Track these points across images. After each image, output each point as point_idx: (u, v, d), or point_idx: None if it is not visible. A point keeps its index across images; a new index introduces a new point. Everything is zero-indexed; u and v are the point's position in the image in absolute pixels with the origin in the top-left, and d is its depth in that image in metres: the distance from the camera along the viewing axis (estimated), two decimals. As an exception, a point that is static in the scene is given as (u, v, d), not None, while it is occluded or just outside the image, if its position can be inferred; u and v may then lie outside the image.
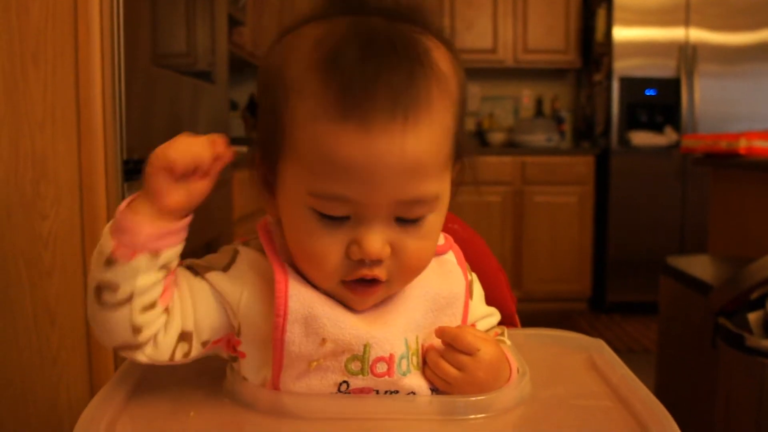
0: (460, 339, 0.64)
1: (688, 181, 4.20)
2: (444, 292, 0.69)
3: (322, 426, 0.61)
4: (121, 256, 0.58)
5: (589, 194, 4.35)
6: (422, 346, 0.67)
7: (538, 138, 4.55)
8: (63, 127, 1.32)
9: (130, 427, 0.61)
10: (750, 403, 1.51)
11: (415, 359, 0.66)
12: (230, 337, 0.66)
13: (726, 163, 2.40)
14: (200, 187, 0.62)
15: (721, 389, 1.63)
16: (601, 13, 4.33)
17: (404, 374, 0.64)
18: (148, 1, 1.55)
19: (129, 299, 0.59)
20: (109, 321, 0.60)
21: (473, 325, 0.74)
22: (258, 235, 0.67)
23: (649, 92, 4.24)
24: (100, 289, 0.59)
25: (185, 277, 0.64)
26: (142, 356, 0.62)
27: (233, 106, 4.13)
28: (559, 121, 4.79)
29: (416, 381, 0.65)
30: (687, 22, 4.15)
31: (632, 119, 4.27)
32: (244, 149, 2.67)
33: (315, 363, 0.63)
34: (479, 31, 4.48)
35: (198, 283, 0.64)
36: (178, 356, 0.63)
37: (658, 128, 4.25)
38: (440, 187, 0.62)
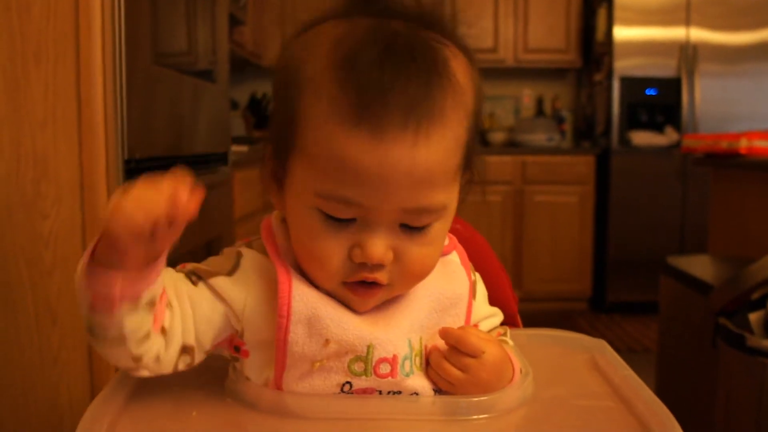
0: (464, 341, 0.64)
1: (689, 181, 4.20)
2: (448, 293, 0.69)
3: (325, 426, 0.61)
4: (102, 308, 0.56)
5: (590, 194, 4.35)
6: (425, 346, 0.67)
7: (539, 138, 4.55)
8: (64, 127, 1.32)
9: (131, 428, 0.61)
10: (750, 403, 1.51)
11: (418, 360, 0.66)
12: (233, 338, 0.66)
13: (727, 163, 2.40)
14: (168, 238, 0.54)
15: (722, 389, 1.63)
16: (601, 13, 4.33)
17: (407, 375, 0.64)
18: (149, 1, 1.54)
19: (121, 338, 0.58)
20: (108, 354, 0.60)
21: (476, 326, 0.74)
22: (261, 235, 0.67)
23: (650, 92, 4.24)
24: (90, 327, 0.58)
25: (185, 287, 0.63)
26: (146, 372, 0.62)
27: (234, 105, 4.13)
28: (559, 120, 4.79)
29: (419, 382, 0.65)
30: (688, 22, 4.15)
31: (633, 119, 4.27)
32: (244, 149, 2.67)
33: (318, 364, 0.63)
34: (480, 30, 4.48)
35: (199, 293, 0.63)
36: (181, 367, 0.63)
37: (658, 128, 4.25)
38: (448, 196, 0.62)
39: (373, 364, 0.63)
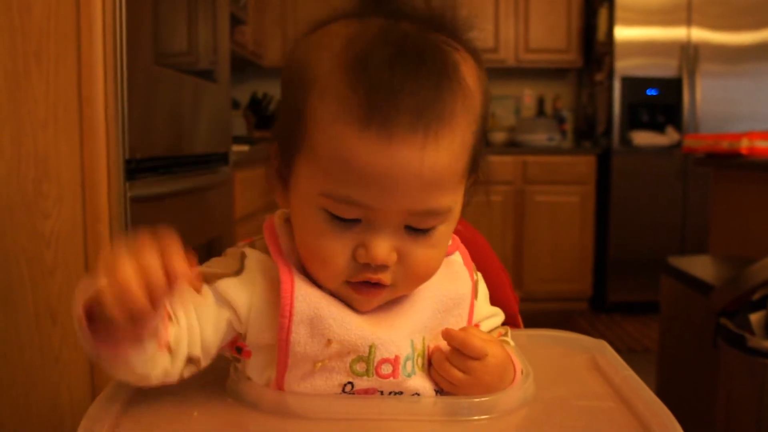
0: (468, 344, 0.64)
1: (690, 181, 4.20)
2: (451, 294, 0.69)
3: (326, 426, 0.61)
4: (107, 355, 0.56)
5: (591, 194, 4.35)
6: (428, 347, 0.67)
7: (540, 137, 4.54)
8: (65, 126, 1.32)
9: (133, 428, 0.61)
10: (751, 403, 1.51)
11: (420, 361, 0.66)
12: (236, 339, 0.66)
13: (727, 163, 2.40)
14: (156, 314, 0.53)
15: (722, 389, 1.63)
16: (602, 13, 4.33)
17: (409, 376, 0.64)
18: (150, 0, 1.54)
19: (126, 364, 0.57)
20: (113, 374, 0.60)
21: (477, 325, 0.74)
22: (264, 235, 0.67)
23: (651, 92, 4.24)
24: (93, 357, 0.57)
25: (190, 295, 0.62)
26: (153, 384, 0.61)
27: (235, 104, 4.13)
28: (560, 120, 4.79)
29: (421, 382, 0.65)
30: (689, 22, 4.15)
31: (634, 119, 4.26)
32: (245, 148, 2.67)
33: (320, 364, 0.63)
34: (480, 30, 4.47)
35: (204, 300, 0.62)
36: (187, 375, 0.63)
37: (659, 128, 4.25)
38: (453, 199, 0.62)
39: (375, 364, 0.63)
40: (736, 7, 4.13)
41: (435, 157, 0.57)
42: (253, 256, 0.65)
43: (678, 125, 4.23)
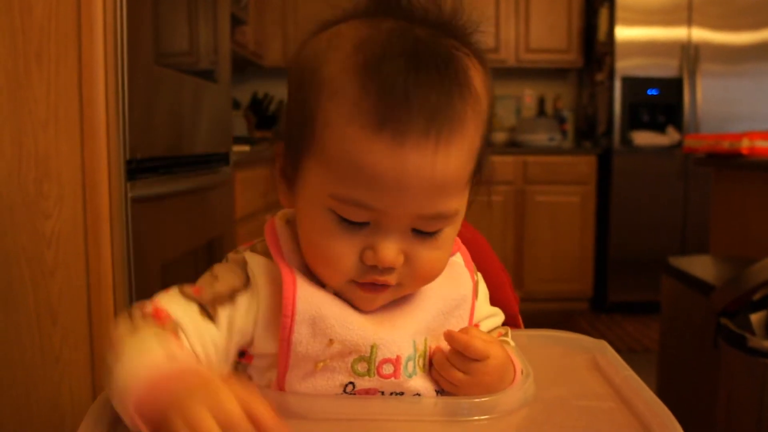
0: (471, 347, 0.64)
1: (690, 181, 4.20)
2: (453, 295, 0.69)
3: (327, 427, 0.61)
4: None
5: (591, 194, 4.35)
6: (429, 348, 0.67)
7: (540, 137, 4.54)
8: (66, 127, 1.32)
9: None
10: (751, 403, 1.51)
11: (421, 361, 0.66)
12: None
13: (728, 163, 2.40)
14: None
15: (723, 390, 1.63)
16: (603, 13, 4.33)
17: (410, 376, 0.65)
18: (150, 1, 1.55)
19: None
20: None
21: (477, 325, 0.75)
22: (265, 238, 0.67)
23: (652, 92, 4.24)
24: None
25: (204, 329, 0.61)
26: None
27: (235, 105, 4.13)
28: (561, 120, 4.79)
29: (422, 383, 0.66)
30: (689, 22, 4.15)
31: (634, 119, 4.26)
32: (246, 148, 2.66)
33: (321, 364, 0.63)
34: (482, 31, 4.47)
35: (216, 332, 0.61)
36: None
37: (660, 128, 4.25)
38: (460, 202, 0.62)
39: (377, 364, 0.63)
40: (737, 7, 4.13)
41: (446, 163, 0.57)
42: (254, 262, 0.65)
43: (678, 125, 4.23)
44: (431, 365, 0.67)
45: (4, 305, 1.33)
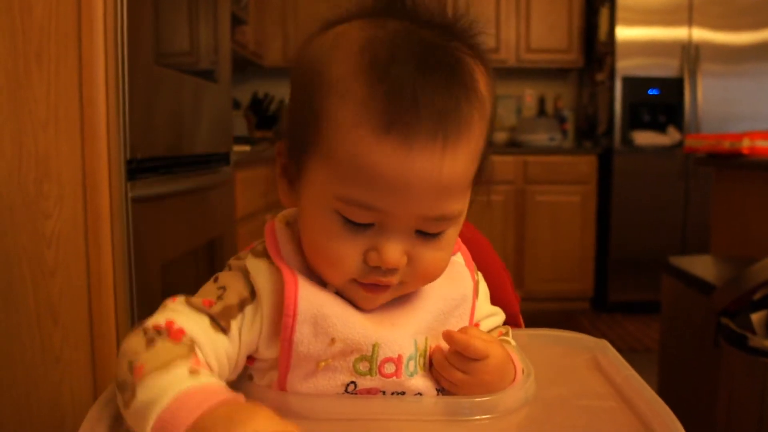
0: (471, 347, 0.64)
1: (691, 181, 4.20)
2: (453, 294, 0.69)
3: (328, 427, 0.60)
4: None
5: (592, 194, 4.35)
6: (430, 347, 0.67)
7: (541, 137, 4.54)
8: (66, 127, 1.32)
9: (134, 427, 0.61)
10: (752, 403, 1.51)
11: (422, 360, 0.66)
12: None
13: (729, 163, 2.40)
14: None
15: (724, 389, 1.63)
16: (604, 13, 4.32)
17: (411, 375, 0.65)
18: (150, 1, 1.54)
19: None
20: None
21: (477, 324, 0.75)
22: (265, 240, 0.66)
23: (652, 92, 4.24)
24: None
25: (219, 342, 0.61)
26: None
27: (236, 105, 4.13)
28: (561, 120, 4.79)
29: (423, 382, 0.66)
30: (690, 22, 4.14)
31: (635, 119, 4.26)
32: (246, 148, 2.66)
33: (323, 363, 0.62)
34: (484, 33, 4.47)
35: (229, 344, 0.61)
36: None
37: (660, 128, 4.25)
38: (463, 204, 0.63)
39: (378, 363, 0.63)
40: (737, 6, 4.13)
41: (453, 165, 0.58)
42: (256, 269, 0.64)
43: (679, 125, 4.22)
44: (431, 364, 0.67)
45: (4, 305, 1.33)
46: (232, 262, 0.67)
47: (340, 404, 0.63)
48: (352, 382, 0.63)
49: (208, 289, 0.64)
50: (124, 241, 1.38)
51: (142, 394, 0.54)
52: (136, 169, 1.44)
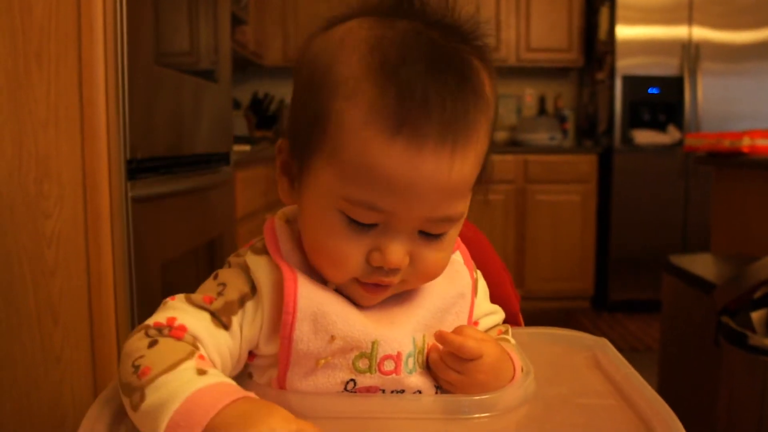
0: (464, 348, 0.64)
1: (691, 180, 4.20)
2: (452, 292, 0.69)
3: (328, 425, 0.60)
4: None
5: (592, 193, 4.35)
6: (428, 344, 0.67)
7: (541, 136, 4.54)
8: (66, 126, 1.32)
9: (134, 427, 0.61)
10: (753, 401, 1.51)
11: (420, 358, 0.66)
12: None
13: (729, 161, 2.39)
14: None
15: (724, 388, 1.63)
16: (604, 12, 4.32)
17: (411, 372, 0.65)
18: (150, 0, 1.55)
19: None
20: None
21: (476, 323, 0.75)
22: (264, 238, 0.66)
23: (652, 91, 4.24)
24: None
25: (222, 339, 0.61)
26: None
27: (236, 104, 4.14)
28: (561, 119, 4.79)
29: (422, 379, 0.66)
30: (690, 21, 4.14)
31: (635, 118, 4.26)
32: (246, 148, 2.66)
33: (323, 361, 0.63)
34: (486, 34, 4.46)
35: (231, 340, 0.62)
36: None
37: (661, 127, 4.25)
38: (466, 204, 0.63)
39: (378, 360, 0.63)
40: (738, 5, 4.13)
41: (461, 168, 0.58)
42: (256, 265, 0.64)
43: (679, 124, 4.22)
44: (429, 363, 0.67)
45: (4, 305, 1.33)
46: (232, 259, 0.67)
47: (340, 403, 0.63)
48: (352, 379, 0.63)
49: (208, 286, 0.64)
50: (124, 241, 1.38)
51: (152, 396, 0.54)
52: (136, 169, 1.44)
